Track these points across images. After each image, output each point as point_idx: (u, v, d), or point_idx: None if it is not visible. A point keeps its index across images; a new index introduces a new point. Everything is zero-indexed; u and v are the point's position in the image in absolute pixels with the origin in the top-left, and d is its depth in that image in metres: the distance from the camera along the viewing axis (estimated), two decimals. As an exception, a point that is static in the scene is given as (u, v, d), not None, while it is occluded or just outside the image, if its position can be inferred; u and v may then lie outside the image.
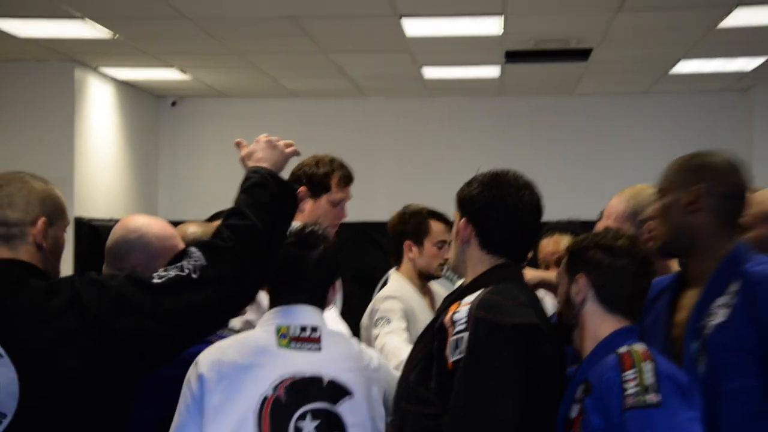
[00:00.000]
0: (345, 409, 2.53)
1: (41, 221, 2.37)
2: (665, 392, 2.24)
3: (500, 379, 2.38)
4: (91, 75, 8.56)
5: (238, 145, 2.77)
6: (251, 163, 2.64)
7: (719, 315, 2.48)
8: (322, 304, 2.66)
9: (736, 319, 2.46)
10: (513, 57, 7.81)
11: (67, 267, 7.47)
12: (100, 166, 8.73)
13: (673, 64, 8.35)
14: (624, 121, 9.80)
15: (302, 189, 3.25)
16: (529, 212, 2.63)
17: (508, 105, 9.87)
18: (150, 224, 2.87)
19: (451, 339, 2.44)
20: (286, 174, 3.66)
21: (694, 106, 9.85)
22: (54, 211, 2.44)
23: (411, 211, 4.21)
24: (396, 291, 3.92)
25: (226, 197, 4.03)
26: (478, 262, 2.61)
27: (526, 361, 2.40)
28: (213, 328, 2.54)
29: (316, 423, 2.47)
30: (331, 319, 3.09)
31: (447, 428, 2.39)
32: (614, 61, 8.12)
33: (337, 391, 2.54)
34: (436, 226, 4.13)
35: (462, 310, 2.46)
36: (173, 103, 10.09)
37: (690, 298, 2.57)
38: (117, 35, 7.13)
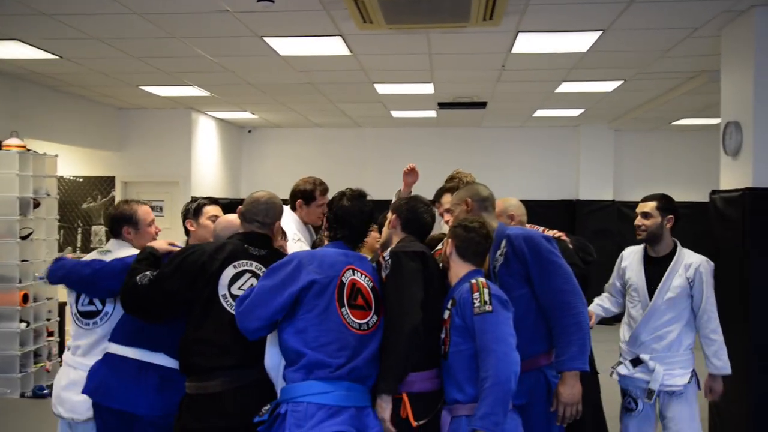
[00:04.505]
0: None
1: (276, 226, 2.73)
2: (494, 304, 2.31)
3: (409, 281, 2.43)
4: (201, 116, 8.61)
5: None
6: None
7: (500, 260, 2.60)
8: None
9: (509, 259, 2.58)
10: (442, 105, 7.76)
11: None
12: (206, 168, 8.79)
13: (534, 111, 8.35)
14: (509, 143, 9.72)
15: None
16: (426, 216, 2.69)
17: (442, 133, 9.80)
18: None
19: (383, 264, 2.54)
20: (287, 192, 3.48)
21: (547, 136, 9.80)
22: (278, 216, 2.73)
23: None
24: None
25: (280, 187, 4.11)
26: (398, 237, 2.67)
27: (421, 272, 2.46)
28: None
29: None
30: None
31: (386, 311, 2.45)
32: (500, 108, 8.08)
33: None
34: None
35: (387, 252, 2.55)
36: (249, 131, 10.07)
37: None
38: (213, 94, 7.23)
